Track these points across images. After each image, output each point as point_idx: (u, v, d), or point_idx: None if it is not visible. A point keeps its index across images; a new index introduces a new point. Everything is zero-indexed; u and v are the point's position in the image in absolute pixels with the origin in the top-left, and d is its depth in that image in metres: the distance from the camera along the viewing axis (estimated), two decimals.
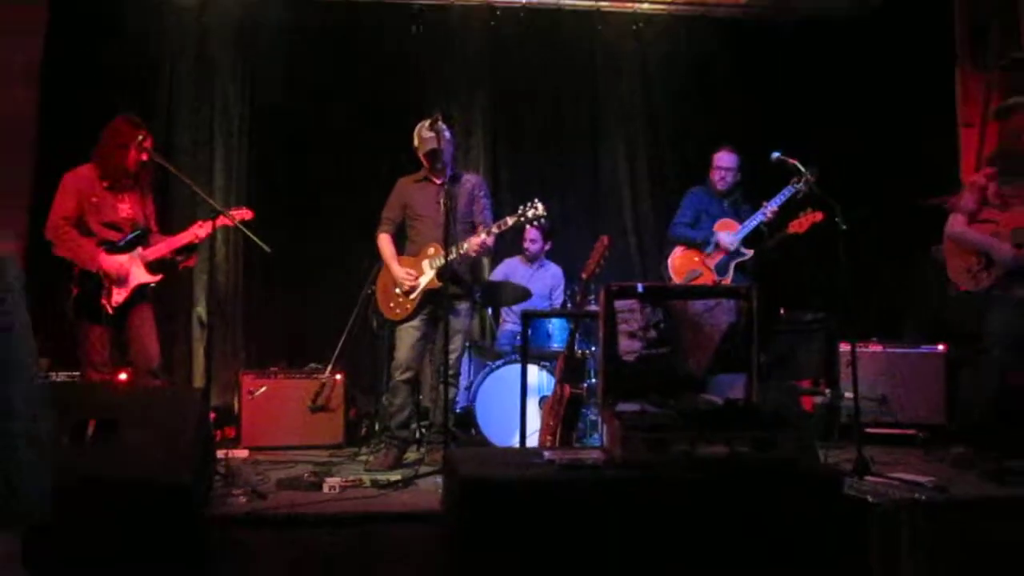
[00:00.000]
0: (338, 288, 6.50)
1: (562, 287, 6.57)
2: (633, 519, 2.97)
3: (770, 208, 5.47)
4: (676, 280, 5.64)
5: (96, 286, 4.62)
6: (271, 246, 4.86)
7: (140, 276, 4.72)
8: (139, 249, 4.75)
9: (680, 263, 5.70)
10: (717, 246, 5.58)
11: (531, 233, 6.46)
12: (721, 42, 7.48)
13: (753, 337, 3.60)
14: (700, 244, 5.63)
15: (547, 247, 6.64)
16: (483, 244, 4.90)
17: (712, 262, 5.58)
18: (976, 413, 4.83)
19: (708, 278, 5.56)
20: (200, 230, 4.82)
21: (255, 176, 7.00)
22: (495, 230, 4.88)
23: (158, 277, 4.81)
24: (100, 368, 4.66)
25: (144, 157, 4.74)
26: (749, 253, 5.56)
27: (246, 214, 5.00)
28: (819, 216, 5.38)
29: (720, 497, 3.04)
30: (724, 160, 5.71)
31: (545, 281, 6.52)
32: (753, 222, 5.52)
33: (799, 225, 5.52)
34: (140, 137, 4.71)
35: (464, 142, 7.16)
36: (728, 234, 5.57)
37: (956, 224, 4.84)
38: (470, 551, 2.92)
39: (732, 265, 5.56)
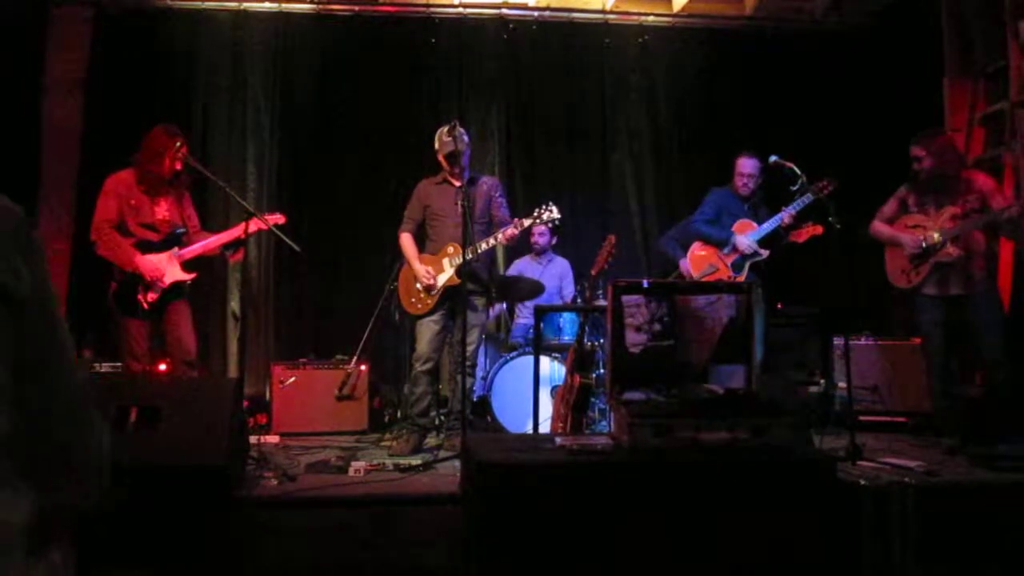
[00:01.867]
0: (363, 284, 6.52)
1: (571, 278, 6.57)
2: (639, 501, 2.97)
3: (788, 213, 5.43)
4: (694, 274, 5.61)
5: (133, 282, 4.66)
6: (300, 245, 4.87)
7: (175, 274, 4.75)
8: (175, 249, 4.78)
9: (698, 258, 5.66)
10: (735, 248, 5.55)
11: (538, 228, 6.46)
12: (722, 52, 7.46)
13: (752, 330, 3.59)
14: (719, 243, 5.60)
15: (554, 241, 6.66)
16: (513, 236, 4.92)
17: (729, 259, 5.55)
18: (936, 400, 5.05)
19: (724, 273, 5.53)
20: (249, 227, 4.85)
21: (285, 179, 7.03)
22: (513, 230, 4.89)
23: (192, 275, 4.84)
24: (140, 359, 4.69)
25: (178, 166, 4.76)
26: (765, 253, 5.53)
27: (279, 218, 5.02)
28: (819, 229, 5.43)
29: (720, 480, 3.04)
30: (747, 166, 5.64)
31: (554, 274, 6.53)
32: (771, 225, 5.49)
33: (799, 235, 5.55)
34: (177, 145, 4.72)
35: (481, 146, 7.16)
36: (745, 237, 5.52)
37: (874, 225, 5.29)
38: (486, 530, 2.93)
39: (747, 264, 5.54)
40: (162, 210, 4.82)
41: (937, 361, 5.04)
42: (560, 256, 6.71)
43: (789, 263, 5.82)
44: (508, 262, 6.87)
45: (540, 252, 6.62)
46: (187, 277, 4.81)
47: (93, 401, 1.26)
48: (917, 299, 5.09)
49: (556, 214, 4.90)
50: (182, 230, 4.86)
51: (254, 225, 4.72)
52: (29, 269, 1.13)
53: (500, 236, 4.88)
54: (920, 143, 5.09)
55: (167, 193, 4.84)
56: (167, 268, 4.72)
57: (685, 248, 5.79)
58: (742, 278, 5.49)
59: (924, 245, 4.99)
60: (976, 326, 4.93)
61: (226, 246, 4.91)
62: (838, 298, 4.88)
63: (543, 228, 6.47)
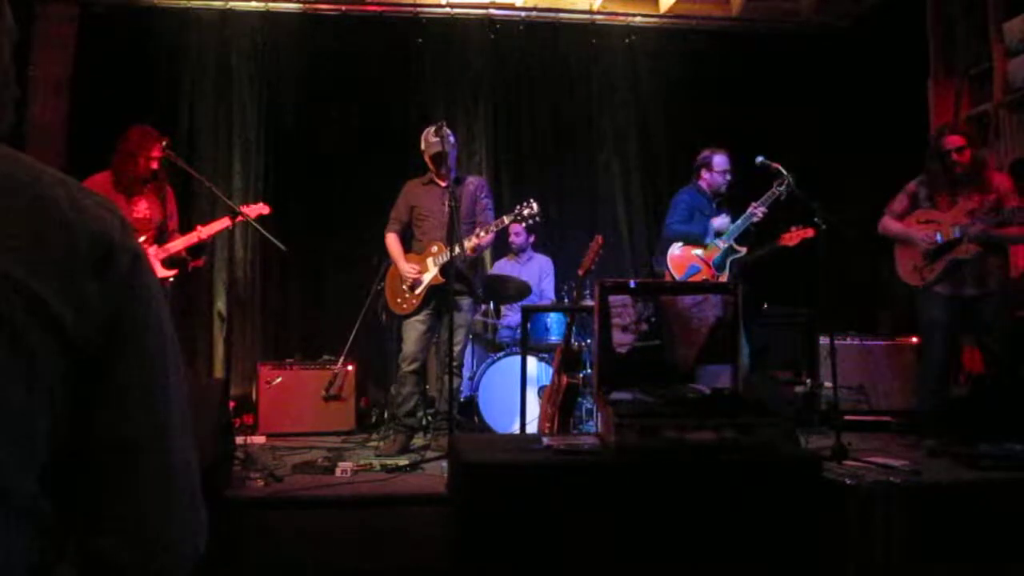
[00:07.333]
0: (349, 284, 6.50)
1: (551, 276, 6.56)
2: (626, 500, 2.97)
3: (760, 209, 5.41)
4: (677, 275, 5.58)
5: None
6: (287, 245, 4.85)
7: (156, 271, 4.75)
8: (154, 247, 4.77)
9: (680, 259, 5.63)
10: (716, 232, 5.52)
11: (514, 227, 6.41)
12: (709, 53, 7.47)
13: (738, 330, 3.60)
14: (699, 237, 5.54)
15: (531, 239, 6.66)
16: (477, 246, 4.91)
17: (710, 257, 5.53)
18: (923, 401, 5.01)
19: (707, 273, 5.52)
20: (204, 230, 4.85)
21: (272, 178, 6.99)
22: (493, 229, 4.89)
23: (173, 272, 4.84)
24: None
25: (154, 165, 4.75)
26: (743, 250, 5.52)
27: (264, 209, 5.00)
28: (810, 232, 5.39)
29: (707, 480, 3.04)
30: (723, 163, 5.59)
31: (532, 272, 6.51)
32: (744, 223, 5.49)
33: (790, 239, 5.52)
34: (151, 145, 4.72)
35: (467, 147, 7.15)
36: (722, 218, 5.51)
37: (883, 222, 5.14)
38: (473, 531, 2.92)
39: (728, 261, 5.53)
40: (141, 209, 4.81)
41: (935, 361, 4.92)
42: (541, 254, 6.71)
43: (774, 263, 5.83)
44: (491, 264, 6.86)
45: (518, 252, 6.61)
46: (168, 274, 4.81)
47: (198, 499, 0.99)
48: (926, 296, 4.89)
49: (536, 209, 4.85)
50: (162, 228, 4.85)
51: (238, 219, 4.70)
52: (107, 306, 0.88)
53: (467, 244, 4.83)
54: (959, 132, 4.90)
55: (145, 192, 4.83)
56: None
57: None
58: (725, 277, 5.49)
59: (940, 240, 4.81)
60: (984, 325, 4.82)
61: (189, 250, 4.89)
62: (824, 298, 4.89)
63: (519, 228, 6.42)
